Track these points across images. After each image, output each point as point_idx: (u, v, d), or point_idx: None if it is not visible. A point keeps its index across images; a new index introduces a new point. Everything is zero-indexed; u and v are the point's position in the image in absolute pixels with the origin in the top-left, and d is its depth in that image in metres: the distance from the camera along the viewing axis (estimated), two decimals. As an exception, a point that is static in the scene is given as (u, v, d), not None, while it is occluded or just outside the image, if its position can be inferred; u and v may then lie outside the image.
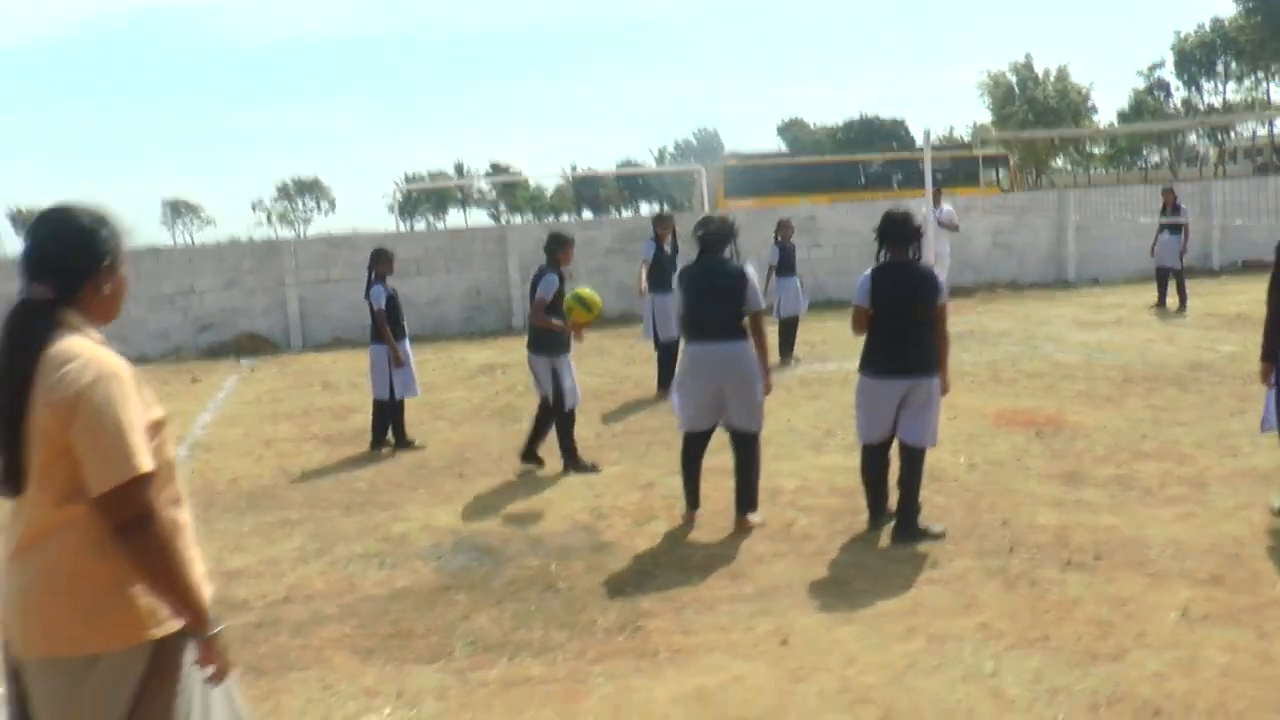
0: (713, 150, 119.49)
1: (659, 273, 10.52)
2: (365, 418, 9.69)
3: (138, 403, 2.33)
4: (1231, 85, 66.37)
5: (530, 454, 7.66)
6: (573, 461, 7.51)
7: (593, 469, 7.48)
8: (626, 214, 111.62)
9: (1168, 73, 67.59)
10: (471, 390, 11.42)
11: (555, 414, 7.50)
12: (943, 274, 15.89)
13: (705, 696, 3.90)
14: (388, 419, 8.63)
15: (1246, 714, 3.62)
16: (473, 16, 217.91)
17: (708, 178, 31.53)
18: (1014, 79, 63.46)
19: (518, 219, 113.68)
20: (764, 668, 4.13)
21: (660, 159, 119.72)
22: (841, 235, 18.79)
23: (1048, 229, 19.52)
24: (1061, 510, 6.00)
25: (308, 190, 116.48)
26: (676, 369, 5.93)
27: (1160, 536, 5.46)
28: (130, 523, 2.25)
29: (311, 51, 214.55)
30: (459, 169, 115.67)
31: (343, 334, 16.13)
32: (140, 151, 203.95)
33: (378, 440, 8.64)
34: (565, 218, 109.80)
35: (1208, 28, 63.25)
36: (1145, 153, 73.69)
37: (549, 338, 7.39)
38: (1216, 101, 67.81)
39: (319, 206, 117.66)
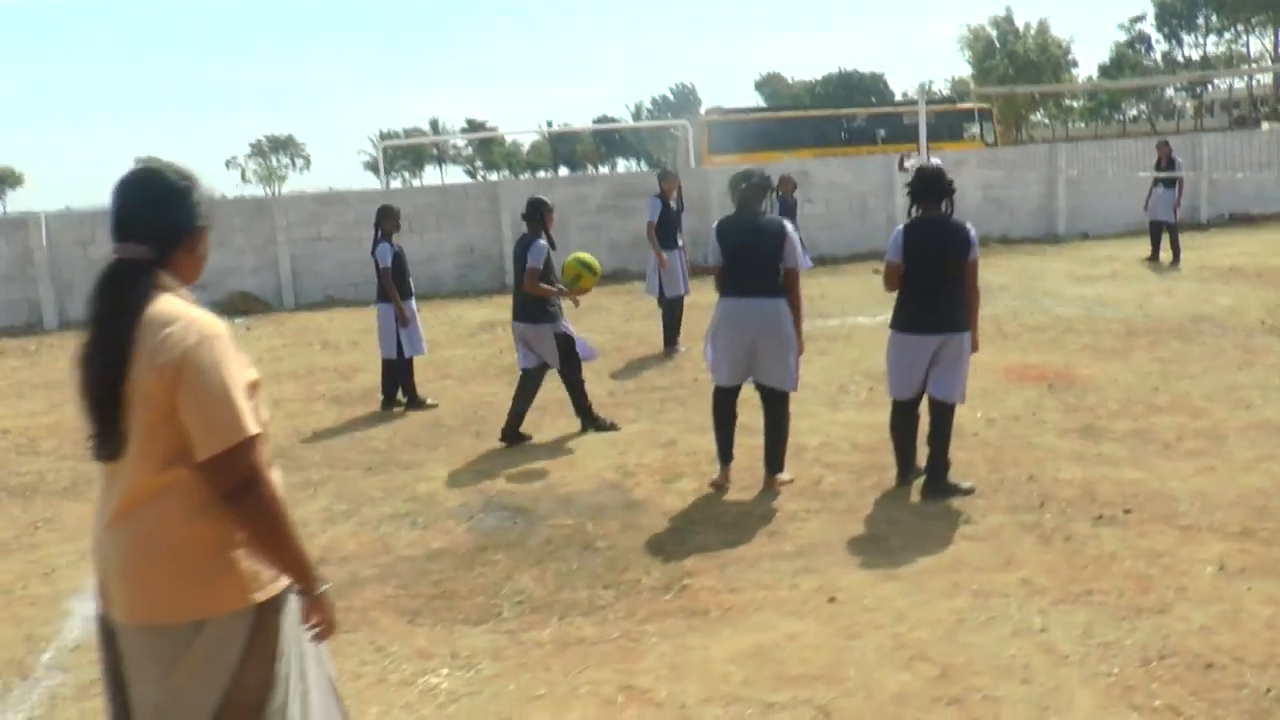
0: (690, 106, 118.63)
1: (665, 229, 10.47)
2: (371, 377, 9.67)
3: (240, 363, 2.31)
4: (1212, 39, 66.45)
5: (592, 418, 7.45)
6: (592, 421, 7.46)
7: (613, 427, 7.44)
8: (604, 170, 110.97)
9: (1149, 26, 67.65)
10: (474, 348, 11.37)
11: (568, 376, 7.35)
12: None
13: (762, 654, 3.93)
14: (397, 378, 8.58)
15: (1297, 665, 3.69)
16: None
17: (693, 132, 31.39)
18: (994, 33, 63.15)
19: (494, 176, 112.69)
20: (815, 625, 4.17)
21: (637, 115, 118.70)
22: (833, 190, 18.76)
23: (1038, 183, 19.54)
24: (1084, 464, 6.05)
25: (282, 147, 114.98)
26: (710, 322, 5.87)
27: (1185, 490, 5.53)
28: (239, 486, 2.23)
29: (284, 4, 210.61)
30: (434, 126, 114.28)
31: (335, 292, 16.01)
32: (110, 108, 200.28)
33: (389, 400, 8.60)
34: (542, 174, 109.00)
35: (1190, -21, 63.40)
36: (1124, 107, 73.75)
37: (545, 305, 7.15)
38: (1196, 55, 67.88)
39: (294, 164, 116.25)
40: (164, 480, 2.26)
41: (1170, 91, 76.37)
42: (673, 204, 10.60)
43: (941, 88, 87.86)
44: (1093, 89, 60.24)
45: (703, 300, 11.34)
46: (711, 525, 5.40)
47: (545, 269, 7.10)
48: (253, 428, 2.25)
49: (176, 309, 2.28)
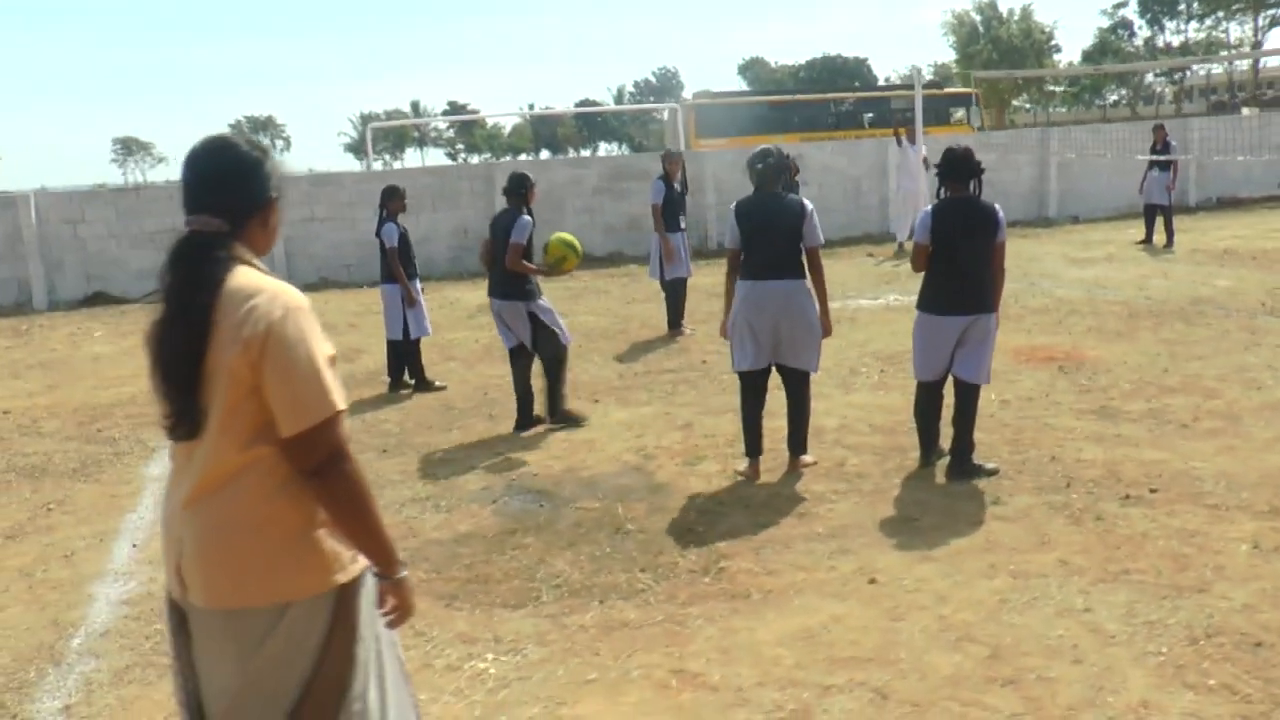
0: (673, 90, 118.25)
1: (668, 211, 10.41)
2: (374, 359, 9.59)
3: (322, 337, 2.25)
4: (1193, 25, 66.83)
5: (561, 413, 7.15)
6: (557, 413, 7.13)
7: (578, 423, 7.11)
8: (585, 153, 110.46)
9: (1131, 12, 67.91)
10: (475, 330, 11.29)
11: (547, 360, 7.07)
12: (917, 214, 16.03)
13: (811, 637, 3.91)
14: (403, 360, 8.51)
15: (1344, 643, 3.70)
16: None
17: (682, 115, 31.26)
18: (978, 18, 63.28)
19: (475, 159, 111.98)
20: (859, 607, 4.15)
21: (619, 98, 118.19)
22: (826, 174, 18.72)
23: (1030, 166, 19.58)
24: (1104, 445, 6.07)
25: (262, 128, 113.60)
26: (732, 306, 5.80)
27: (1209, 470, 5.54)
28: (324, 464, 2.17)
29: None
30: (416, 108, 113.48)
31: (328, 274, 15.88)
32: (84, 88, 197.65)
33: (396, 382, 8.53)
34: (524, 157, 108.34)
35: (1170, -33, 63.68)
36: (1105, 92, 74.07)
37: (524, 282, 6.92)
38: (1178, 41, 68.26)
39: (274, 145, 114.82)
40: (246, 459, 2.19)
41: (1150, 77, 76.75)
42: (676, 186, 10.53)
43: (925, 72, 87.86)
44: (1079, 74, 60.45)
45: (703, 282, 11.34)
46: (740, 507, 5.38)
47: (528, 246, 6.95)
48: (339, 403, 2.20)
49: (258, 281, 2.22)
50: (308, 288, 15.47)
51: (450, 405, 7.95)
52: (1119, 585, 4.23)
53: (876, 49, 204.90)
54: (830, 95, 40.30)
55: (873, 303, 11.50)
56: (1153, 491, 5.26)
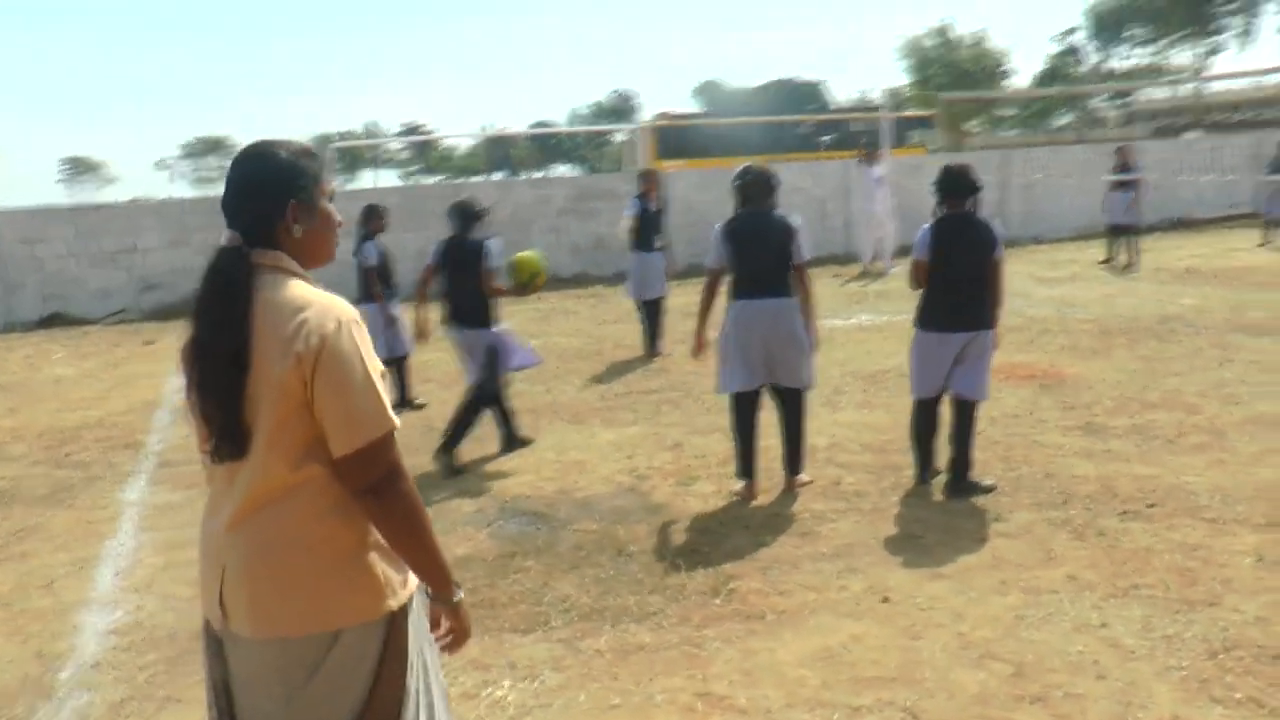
0: (629, 111, 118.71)
1: (644, 231, 10.38)
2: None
3: (373, 351, 2.16)
4: (1140, 50, 68.33)
5: (514, 440, 7.03)
6: (514, 439, 7.02)
7: (525, 443, 7.05)
8: (538, 175, 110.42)
9: (1081, 38, 69.37)
10: (447, 351, 11.11)
11: (487, 389, 6.80)
12: (881, 233, 16.20)
13: (832, 657, 3.85)
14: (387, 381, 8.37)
15: (1362, 655, 3.72)
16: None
17: (643, 137, 31.32)
18: (932, 43, 64.21)
19: (430, 180, 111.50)
20: (876, 626, 4.11)
21: (574, 120, 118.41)
22: (792, 195, 18.61)
23: (992, 188, 19.75)
24: (1095, 461, 6.10)
25: (215, 149, 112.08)
26: (721, 326, 5.74)
27: (1202, 484, 5.58)
28: (380, 483, 2.08)
29: (216, 3, 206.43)
30: (370, 127, 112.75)
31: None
32: (35, 106, 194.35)
33: None
34: (478, 179, 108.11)
35: (1119, -5, 65.26)
36: (1054, 116, 75.51)
37: (489, 308, 6.71)
38: (1126, 66, 69.75)
39: (224, 166, 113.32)
40: (296, 478, 2.09)
41: (1097, 101, 78.36)
42: (652, 205, 10.50)
43: (878, 97, 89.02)
44: (1042, 95, 61.63)
45: (675, 303, 11.29)
46: (740, 528, 5.32)
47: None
48: (394, 419, 2.11)
49: (306, 293, 2.12)
50: (272, 309, 15.29)
51: (432, 426, 7.81)
52: (1131, 600, 4.23)
53: (831, 72, 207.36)
54: (789, 118, 40.63)
55: (845, 323, 11.53)
56: (1150, 506, 5.29)
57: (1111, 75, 69.44)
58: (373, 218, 8.32)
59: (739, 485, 5.81)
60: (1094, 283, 13.63)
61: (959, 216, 5.55)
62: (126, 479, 6.90)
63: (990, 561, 4.71)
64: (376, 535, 2.15)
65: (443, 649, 2.30)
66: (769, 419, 5.92)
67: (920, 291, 5.70)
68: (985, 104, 61.78)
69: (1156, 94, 69.38)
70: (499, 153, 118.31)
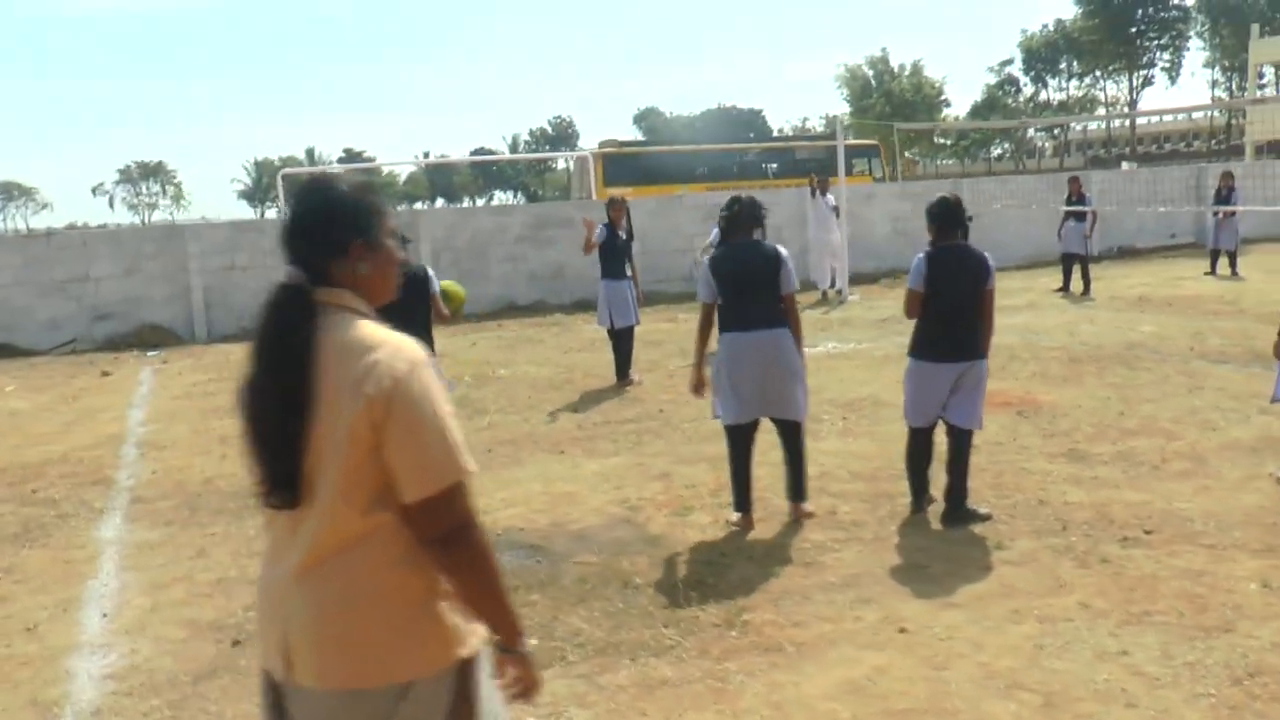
0: (569, 139, 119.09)
1: (612, 258, 10.35)
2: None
3: (445, 393, 2.09)
4: (1074, 82, 70.54)
5: None
6: None
7: None
8: (480, 202, 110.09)
9: (1016, 69, 71.40)
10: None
11: None
12: (835, 262, 16.39)
13: (859, 689, 3.83)
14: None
15: (1379, 678, 3.78)
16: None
17: (589, 164, 31.41)
18: (870, 72, 65.59)
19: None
20: (898, 657, 4.09)
21: (514, 147, 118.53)
22: (750, 222, 18.93)
23: (943, 216, 20.13)
24: (1085, 487, 6.17)
25: (152, 174, 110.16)
26: (715, 359, 5.72)
27: (1194, 510, 5.67)
28: (453, 531, 2.00)
29: (152, 27, 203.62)
30: (311, 155, 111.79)
31: (250, 324, 15.27)
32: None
33: None
34: (419, 205, 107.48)
35: (1052, 28, 67.10)
36: (990, 147, 77.39)
37: (431, 337, 6.46)
38: (1061, 98, 71.92)
39: (164, 191, 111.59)
40: (365, 526, 2.00)
41: (1031, 132, 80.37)
42: (621, 232, 10.48)
43: (816, 125, 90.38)
44: (988, 128, 63.12)
45: (639, 331, 11.25)
46: (743, 559, 5.29)
47: None
48: (470, 465, 2.04)
49: (375, 334, 2.05)
50: (228, 339, 15.00)
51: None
52: (1145, 627, 4.27)
53: (769, 100, 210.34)
54: (734, 146, 41.07)
55: (813, 350, 11.56)
56: (1147, 533, 5.35)
57: (1046, 107, 71.35)
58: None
59: (735, 516, 5.77)
60: (1052, 310, 13.88)
61: (954, 247, 5.61)
62: (100, 516, 6.68)
63: (1000, 590, 4.72)
64: (446, 583, 2.08)
65: (509, 699, 2.22)
66: (760, 446, 5.89)
67: (915, 321, 5.72)
68: (924, 133, 63.02)
69: (1089, 125, 71.45)
70: (441, 180, 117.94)
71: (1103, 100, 67.05)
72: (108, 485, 7.45)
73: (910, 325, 5.84)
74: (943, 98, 66.58)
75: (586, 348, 12.62)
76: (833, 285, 16.62)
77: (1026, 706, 3.66)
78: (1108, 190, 21.56)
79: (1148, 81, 66.51)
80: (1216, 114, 63.88)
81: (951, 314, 5.56)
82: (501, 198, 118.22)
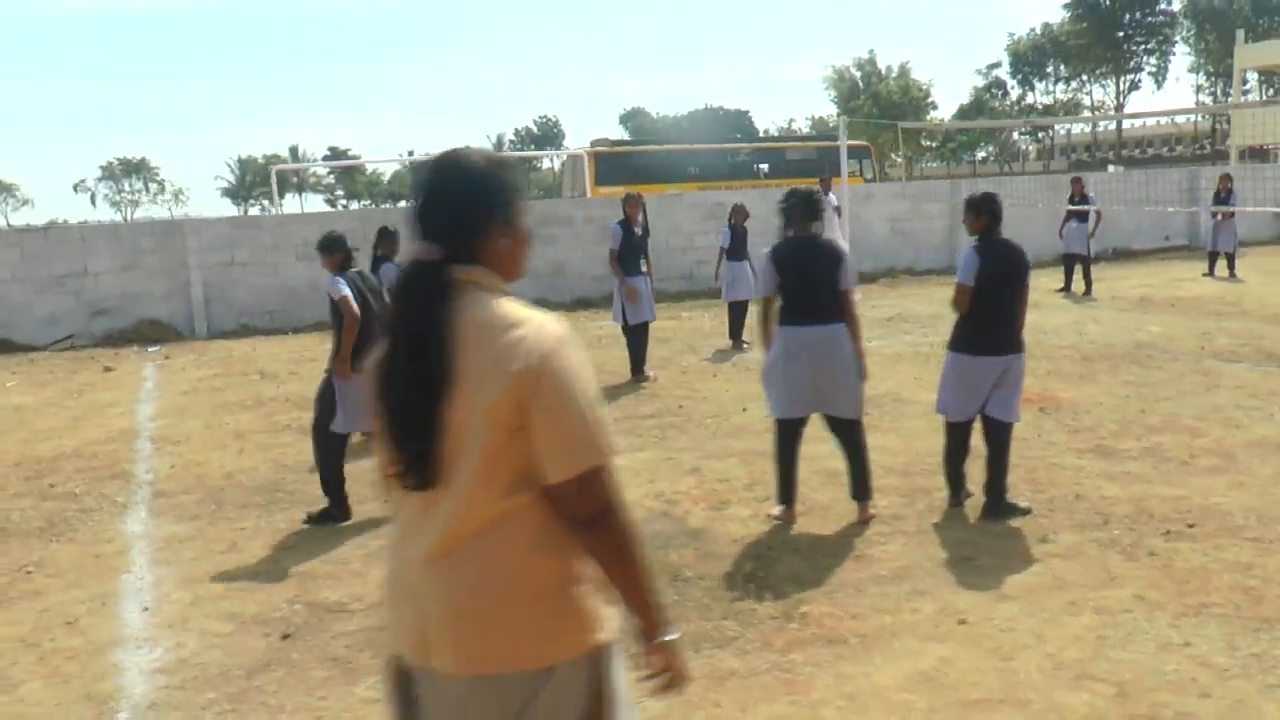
0: (554, 138, 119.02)
1: (629, 255, 10.31)
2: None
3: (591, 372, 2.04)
4: (1061, 86, 70.96)
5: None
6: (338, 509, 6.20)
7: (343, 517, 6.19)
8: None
9: (1004, 72, 71.78)
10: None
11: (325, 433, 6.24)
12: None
13: (929, 681, 3.80)
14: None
15: None
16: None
17: (582, 164, 31.34)
18: (858, 74, 65.82)
19: (355, 204, 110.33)
20: (962, 649, 4.07)
21: (498, 146, 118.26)
22: (752, 222, 18.91)
23: (941, 217, 20.22)
24: (1119, 483, 6.17)
25: (134, 171, 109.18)
26: (771, 352, 5.68)
27: (1232, 504, 5.68)
28: (598, 513, 1.94)
29: (132, 24, 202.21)
30: (294, 152, 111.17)
31: (249, 320, 15.21)
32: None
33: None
34: (404, 203, 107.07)
35: (1039, 32, 67.50)
36: (975, 149, 77.78)
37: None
38: (1048, 101, 72.33)
39: (147, 188, 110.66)
40: (505, 508, 1.95)
41: (1016, 135, 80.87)
42: (637, 229, 10.44)
43: (802, 125, 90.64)
44: (976, 127, 63.46)
45: (654, 327, 11.21)
46: (789, 552, 5.26)
47: None
48: (614, 446, 1.99)
49: (516, 311, 1.99)
50: (228, 335, 14.89)
51: (437, 453, 7.63)
52: (1205, 619, 4.26)
53: (755, 101, 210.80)
54: (726, 145, 41.07)
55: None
56: (1190, 526, 5.35)
57: (1032, 110, 71.80)
58: (385, 240, 8.20)
59: (777, 510, 5.74)
60: (1056, 310, 13.93)
61: (1001, 242, 5.62)
62: (124, 511, 6.59)
63: (1053, 583, 4.71)
64: (584, 567, 2.03)
65: (654, 690, 2.17)
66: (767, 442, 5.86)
67: (960, 315, 5.70)
68: (911, 135, 63.31)
69: (1073, 129, 71.89)
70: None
71: (1088, 104, 67.51)
72: (126, 480, 7.36)
73: (936, 321, 5.83)
74: (929, 100, 67.00)
75: (594, 344, 12.57)
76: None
77: (1100, 696, 3.65)
78: (1103, 192, 21.68)
79: (1134, 86, 67.09)
80: (1200, 118, 64.52)
81: (997, 309, 5.55)
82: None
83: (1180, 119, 64.48)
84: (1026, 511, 5.67)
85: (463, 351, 1.93)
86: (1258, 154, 43.97)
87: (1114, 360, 10.02)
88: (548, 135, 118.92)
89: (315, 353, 12.15)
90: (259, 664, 4.22)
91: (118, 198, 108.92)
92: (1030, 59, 68.57)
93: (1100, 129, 68.09)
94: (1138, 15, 61.46)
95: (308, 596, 4.94)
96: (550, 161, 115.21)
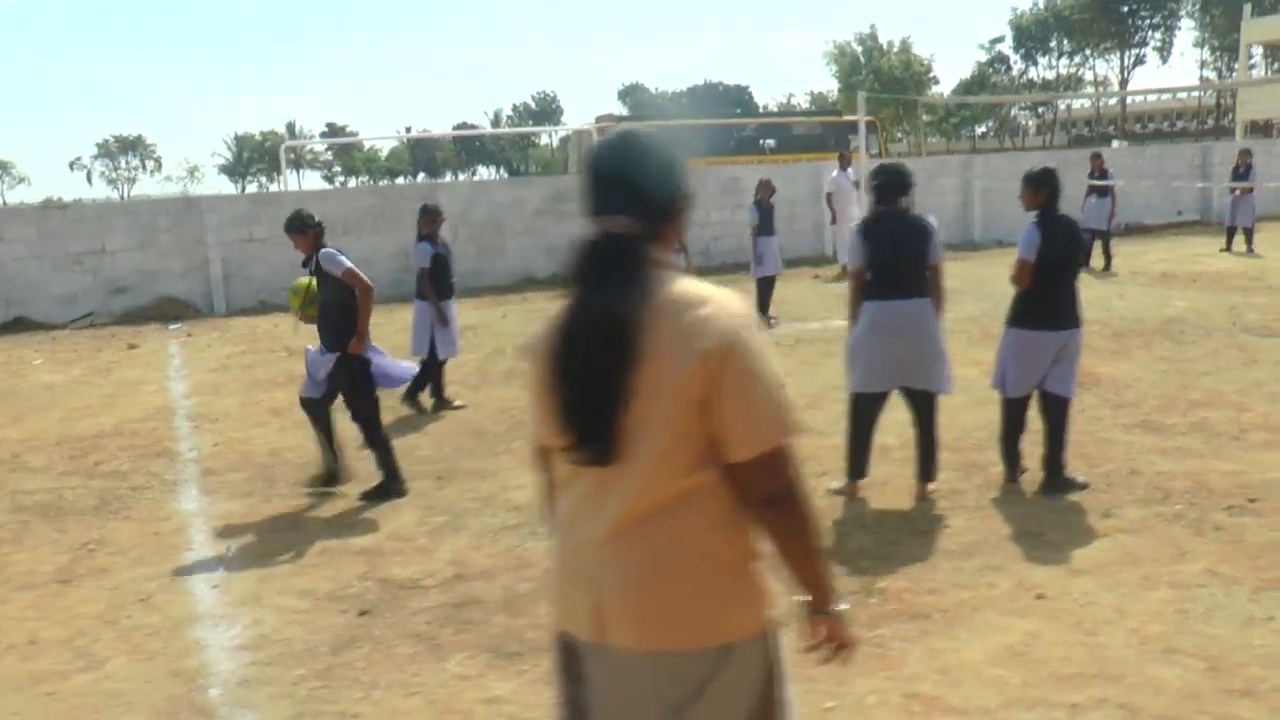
0: (553, 114, 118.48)
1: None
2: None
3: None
4: (1064, 61, 70.65)
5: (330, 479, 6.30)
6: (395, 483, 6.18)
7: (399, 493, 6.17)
8: (463, 177, 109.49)
9: (1007, 47, 71.45)
10: (464, 352, 10.91)
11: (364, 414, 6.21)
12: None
13: (1019, 655, 3.82)
14: (428, 378, 8.24)
15: None
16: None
17: (586, 140, 31.18)
18: (859, 49, 65.53)
19: (353, 181, 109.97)
20: (1045, 623, 4.09)
21: (496, 122, 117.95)
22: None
23: (954, 191, 20.18)
24: (1172, 458, 6.18)
25: (131, 148, 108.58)
26: (857, 326, 5.64)
27: (1290, 479, 5.70)
28: (781, 492, 1.95)
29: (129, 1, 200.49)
30: (291, 129, 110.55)
31: (268, 297, 15.17)
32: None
33: (439, 401, 8.31)
34: (401, 180, 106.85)
35: (1042, 6, 67.14)
36: (975, 125, 77.57)
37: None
38: (1051, 76, 72.06)
39: (144, 166, 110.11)
40: (687, 485, 1.95)
41: (1015, 110, 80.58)
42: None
43: (802, 100, 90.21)
44: (995, 101, 63.38)
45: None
46: (856, 527, 5.28)
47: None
48: (799, 424, 2.00)
49: (699, 288, 1.98)
50: (248, 312, 14.84)
51: (480, 429, 7.64)
52: (1282, 593, 4.28)
53: (752, 76, 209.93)
54: (732, 120, 40.91)
55: (820, 325, 11.55)
56: (1252, 501, 5.37)
57: (1034, 85, 71.53)
58: (425, 218, 8.21)
59: (838, 484, 5.75)
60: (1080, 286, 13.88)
61: (1060, 217, 5.61)
62: (175, 489, 6.59)
63: (1124, 557, 4.73)
64: (759, 544, 2.04)
65: (821, 660, 2.18)
66: (832, 416, 5.86)
67: (1019, 291, 5.70)
68: (910, 111, 63.12)
69: (1073, 105, 71.63)
70: (423, 155, 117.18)
71: (1091, 79, 67.28)
72: (171, 458, 7.36)
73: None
74: (931, 75, 66.80)
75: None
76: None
77: (1191, 671, 3.67)
78: (1115, 167, 21.63)
79: (1139, 60, 66.84)
80: (1204, 94, 64.34)
81: (1057, 283, 5.55)
82: (484, 173, 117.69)
83: (1183, 94, 64.38)
84: (1084, 486, 5.69)
85: (653, 327, 1.92)
86: (1260, 129, 43.88)
87: (1146, 336, 10.03)
88: (545, 111, 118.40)
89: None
90: (342, 640, 4.23)
91: (114, 175, 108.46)
92: (1033, 33, 68.26)
93: (1103, 104, 67.93)
94: (1143, -11, 61.48)
95: (378, 573, 4.95)
96: (549, 137, 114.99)
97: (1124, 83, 65.85)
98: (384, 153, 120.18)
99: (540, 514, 2.30)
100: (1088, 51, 67.88)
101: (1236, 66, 53.15)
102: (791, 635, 2.13)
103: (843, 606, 2.14)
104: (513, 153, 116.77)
